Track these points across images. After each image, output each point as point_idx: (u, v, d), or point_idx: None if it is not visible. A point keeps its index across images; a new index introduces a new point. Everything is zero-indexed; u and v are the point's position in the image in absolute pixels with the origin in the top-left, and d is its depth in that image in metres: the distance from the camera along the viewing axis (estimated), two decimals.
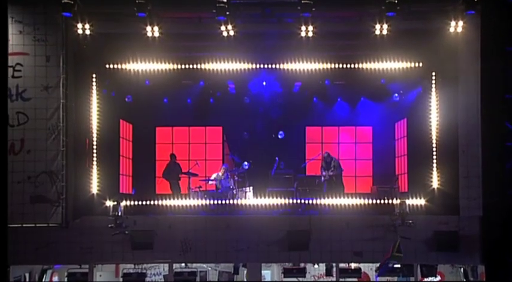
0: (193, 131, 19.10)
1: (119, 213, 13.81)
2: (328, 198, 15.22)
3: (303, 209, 15.01)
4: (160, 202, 15.07)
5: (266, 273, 16.02)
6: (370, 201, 14.98)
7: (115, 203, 13.92)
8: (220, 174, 16.83)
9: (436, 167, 14.86)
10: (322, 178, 16.37)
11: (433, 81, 15.05)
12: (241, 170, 16.80)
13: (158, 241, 14.11)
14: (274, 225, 14.23)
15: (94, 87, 15.01)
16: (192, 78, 16.71)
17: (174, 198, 15.26)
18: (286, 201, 15.20)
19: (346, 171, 17.67)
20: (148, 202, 15.08)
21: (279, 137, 18.58)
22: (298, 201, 15.16)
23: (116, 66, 15.28)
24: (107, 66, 15.24)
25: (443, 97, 14.81)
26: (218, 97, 17.99)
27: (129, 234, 13.96)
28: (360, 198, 15.11)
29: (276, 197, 15.30)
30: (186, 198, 15.51)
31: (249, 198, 15.98)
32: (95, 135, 14.99)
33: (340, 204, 14.99)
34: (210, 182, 16.87)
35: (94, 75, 15.03)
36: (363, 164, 19.03)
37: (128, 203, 14.84)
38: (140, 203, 15.04)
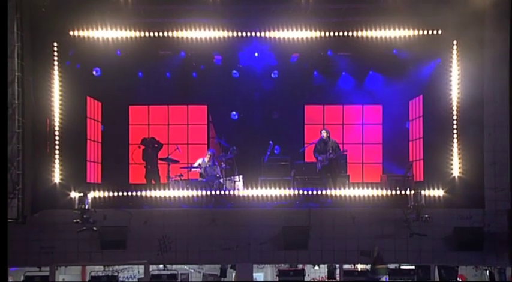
0: (173, 111, 19.15)
1: (86, 207, 13.75)
2: (330, 188, 15.30)
3: (301, 202, 15.01)
4: (134, 193, 15.04)
5: (258, 276, 15.98)
6: (380, 192, 14.97)
7: (81, 194, 13.85)
8: (205, 160, 16.86)
9: (457, 152, 14.86)
10: (319, 164, 16.30)
11: (455, 52, 15.02)
12: (230, 156, 16.79)
13: (132, 239, 14.09)
14: (267, 220, 14.21)
15: (55, 59, 14.89)
16: (172, 49, 16.68)
17: (151, 189, 15.24)
18: (282, 192, 15.19)
19: (352, 157, 17.80)
20: (120, 193, 15.03)
21: (274, 117, 18.66)
22: (296, 192, 15.17)
23: (81, 33, 15.16)
24: (71, 33, 15.12)
25: (466, 70, 14.75)
26: (202, 71, 18.02)
27: (97, 231, 13.90)
28: (367, 188, 15.10)
29: (270, 187, 15.32)
30: (165, 189, 15.49)
31: (239, 189, 16.03)
32: (57, 114, 14.86)
33: (345, 196, 15.02)
34: (193, 170, 16.92)
35: (55, 44, 14.89)
36: (372, 149, 19.14)
37: (97, 194, 14.82)
38: (111, 194, 15.00)
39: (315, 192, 15.03)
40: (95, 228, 13.81)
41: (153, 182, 16.48)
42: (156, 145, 16.87)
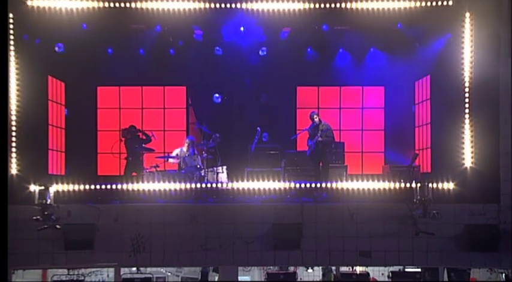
0: (147, 92, 19.23)
1: (48, 202, 13.65)
2: (326, 180, 15.31)
3: (292, 196, 14.96)
4: (103, 186, 14.96)
5: (244, 280, 15.90)
6: (382, 185, 14.92)
7: (42, 187, 13.74)
8: (184, 149, 16.90)
9: (470, 139, 14.85)
10: (308, 151, 16.42)
11: (467, 25, 14.98)
12: (212, 144, 16.79)
13: (100, 238, 14.00)
14: (255, 217, 14.15)
15: (11, 32, 14.73)
16: (145, 22, 16.57)
17: (122, 182, 15.19)
18: (271, 185, 15.10)
19: (350, 145, 17.98)
20: (87, 186, 14.93)
21: (262, 100, 18.78)
22: (287, 185, 15.11)
23: (41, 3, 15.07)
24: (29, 3, 15.05)
25: (480, 46, 14.73)
26: (180, 47, 18.07)
27: (61, 230, 13.79)
28: (367, 181, 15.05)
29: (258, 180, 15.25)
30: (138, 182, 15.44)
31: (222, 182, 16.03)
32: (13, 96, 14.74)
33: (342, 189, 14.99)
34: (171, 160, 16.99)
35: (11, 16, 14.73)
36: (373, 136, 19.27)
37: (60, 187, 14.68)
38: (76, 187, 14.89)
39: (308, 185, 14.97)
40: (58, 226, 13.68)
41: (134, 174, 16.47)
42: (139, 134, 16.89)
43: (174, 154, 16.92)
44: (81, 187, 14.86)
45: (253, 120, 17.87)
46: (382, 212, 14.13)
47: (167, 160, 17.01)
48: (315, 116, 16.42)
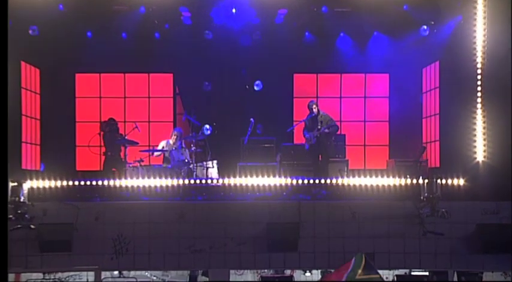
0: (130, 80, 19.26)
1: (21, 199, 13.48)
2: (322, 176, 15.27)
3: (289, 193, 14.95)
4: (83, 183, 14.94)
5: None
6: (386, 181, 14.93)
7: (15, 184, 13.57)
8: (170, 142, 16.94)
9: (482, 131, 14.85)
10: (307, 145, 16.37)
11: (480, 6, 14.98)
12: (201, 137, 16.82)
13: (79, 239, 13.81)
14: (248, 216, 14.04)
15: None
16: (128, 2, 16.74)
17: (104, 178, 15.19)
18: (266, 181, 15.10)
19: (352, 138, 18.06)
20: (65, 183, 14.88)
21: (255, 88, 18.83)
22: (283, 181, 15.09)
23: None
24: None
25: (494, 29, 14.73)
26: (167, 30, 18.12)
27: (36, 230, 13.61)
28: (370, 176, 15.06)
29: (251, 175, 15.25)
30: (120, 178, 15.49)
31: (212, 177, 16.08)
32: None
33: (343, 186, 15.00)
34: (156, 154, 17.03)
35: None
36: (376, 128, 19.36)
37: (35, 184, 14.67)
38: (53, 184, 14.85)
39: (306, 182, 14.96)
40: (32, 226, 13.50)
41: (114, 170, 16.52)
42: (119, 127, 17.03)
43: (159, 147, 16.93)
44: (58, 183, 14.79)
45: (246, 110, 17.89)
46: (387, 211, 14.01)
47: (152, 154, 17.00)
48: (313, 106, 16.32)
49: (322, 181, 15.08)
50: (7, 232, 10.73)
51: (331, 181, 15.10)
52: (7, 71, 12.13)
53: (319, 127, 16.12)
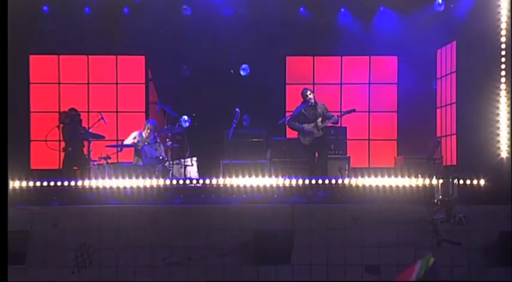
0: (95, 63, 19.29)
1: None
2: (323, 176, 15.27)
3: (280, 195, 14.88)
4: (38, 184, 14.86)
5: None
6: (394, 182, 14.88)
7: None
8: (143, 135, 16.96)
9: (507, 122, 14.91)
10: (306, 138, 16.31)
11: None
12: (178, 130, 16.83)
13: (35, 250, 13.78)
14: (232, 222, 14.03)
15: None
16: None
17: (63, 178, 15.15)
18: (254, 181, 15.05)
19: (354, 131, 18.12)
20: (17, 184, 14.82)
21: (242, 73, 18.95)
22: (274, 181, 15.02)
23: None
24: None
25: None
26: (137, 5, 18.17)
27: None
28: (376, 176, 15.00)
29: (236, 175, 15.22)
30: (83, 177, 15.52)
31: (191, 177, 16.06)
32: None
33: (344, 187, 14.95)
34: (127, 142, 17.05)
35: None
36: (383, 120, 19.50)
37: None
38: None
39: (300, 182, 14.90)
40: None
41: (75, 168, 16.51)
42: (78, 119, 17.01)
43: (130, 138, 16.95)
44: (10, 184, 14.68)
45: (231, 99, 18.00)
46: (395, 216, 13.99)
47: (121, 149, 17.00)
48: (308, 93, 16.28)
49: (320, 181, 15.00)
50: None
51: (329, 181, 15.00)
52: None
53: (319, 121, 16.11)
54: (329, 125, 16.30)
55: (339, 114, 16.85)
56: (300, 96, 16.39)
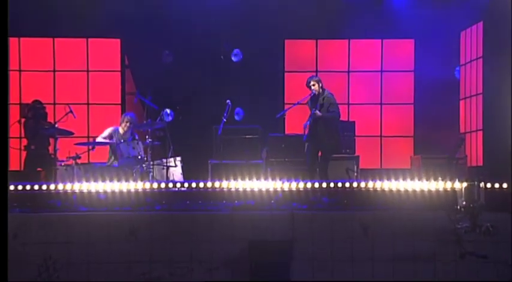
0: (62, 47, 19.37)
1: None
2: (327, 178, 15.32)
3: (278, 201, 14.83)
4: None
5: None
6: (410, 185, 14.82)
7: None
8: (119, 132, 16.98)
9: None
10: (305, 135, 16.33)
11: None
12: (160, 125, 16.83)
13: None
14: (223, 231, 14.01)
15: None
16: None
17: (26, 181, 15.08)
18: (247, 184, 15.03)
19: (364, 126, 18.29)
20: None
21: (233, 59, 19.15)
22: (270, 184, 14.97)
23: None
24: None
25: None
26: None
27: None
28: (390, 178, 14.93)
29: (227, 177, 15.16)
30: (48, 180, 15.54)
31: (175, 180, 16.17)
32: None
33: (352, 191, 14.94)
34: (100, 139, 16.96)
35: None
36: (397, 113, 19.59)
37: None
38: None
39: (301, 185, 14.85)
40: None
41: (39, 170, 16.57)
42: (43, 113, 17.05)
43: (105, 134, 16.90)
44: None
45: (221, 89, 18.06)
46: (411, 225, 13.93)
47: (93, 148, 16.90)
48: (312, 83, 16.22)
49: (324, 185, 14.96)
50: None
51: (335, 185, 14.95)
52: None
53: (317, 109, 16.07)
54: (319, 115, 16.14)
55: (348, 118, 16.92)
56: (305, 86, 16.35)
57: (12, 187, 14.78)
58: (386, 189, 14.80)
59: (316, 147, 16.24)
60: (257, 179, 15.11)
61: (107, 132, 16.88)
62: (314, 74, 17.74)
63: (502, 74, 16.33)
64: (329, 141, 16.23)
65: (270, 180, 15.14)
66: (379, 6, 18.72)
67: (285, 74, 19.35)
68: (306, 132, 16.25)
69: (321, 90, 16.25)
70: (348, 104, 18.75)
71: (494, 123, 16.79)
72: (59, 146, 16.33)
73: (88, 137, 18.11)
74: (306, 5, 18.65)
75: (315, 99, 16.23)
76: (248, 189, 14.92)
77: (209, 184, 15.01)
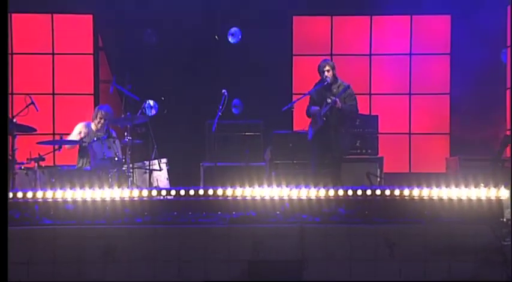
0: (22, 24, 19.46)
1: None
2: (343, 185, 15.32)
3: (284, 212, 14.79)
4: None
5: None
6: (446, 193, 14.78)
7: None
8: (92, 128, 17.11)
9: None
10: (311, 130, 16.38)
11: None
12: (141, 120, 16.93)
13: None
14: (218, 249, 13.95)
15: None
16: None
17: None
18: (247, 192, 15.01)
19: (389, 121, 18.42)
20: None
21: (230, 40, 19.20)
22: (275, 191, 14.95)
23: None
24: None
25: None
26: None
27: None
28: (420, 184, 14.84)
29: (223, 183, 15.20)
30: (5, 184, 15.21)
31: (160, 186, 16.38)
32: None
33: (375, 199, 14.89)
34: (68, 147, 17.06)
35: None
36: (430, 106, 19.69)
37: None
38: None
39: (313, 193, 14.82)
40: None
41: None
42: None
43: (75, 133, 16.99)
44: None
45: (215, 76, 18.24)
46: (446, 241, 13.94)
47: (59, 147, 16.82)
48: (327, 68, 16.15)
49: (340, 193, 14.92)
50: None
51: (354, 192, 14.90)
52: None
53: (329, 100, 15.99)
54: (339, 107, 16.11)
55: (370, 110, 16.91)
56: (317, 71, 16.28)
57: None
58: (416, 197, 14.78)
59: (324, 147, 16.17)
60: (259, 185, 15.06)
61: (77, 129, 16.89)
62: (328, 57, 17.71)
63: None
64: (342, 140, 16.17)
65: (274, 186, 15.06)
66: None
67: (293, 57, 19.47)
68: (311, 126, 16.27)
69: (333, 77, 16.22)
70: (370, 94, 18.85)
71: None
72: (17, 145, 16.25)
73: (53, 134, 18.15)
74: None
75: (325, 89, 16.22)
76: (248, 197, 14.92)
77: (201, 191, 14.92)
